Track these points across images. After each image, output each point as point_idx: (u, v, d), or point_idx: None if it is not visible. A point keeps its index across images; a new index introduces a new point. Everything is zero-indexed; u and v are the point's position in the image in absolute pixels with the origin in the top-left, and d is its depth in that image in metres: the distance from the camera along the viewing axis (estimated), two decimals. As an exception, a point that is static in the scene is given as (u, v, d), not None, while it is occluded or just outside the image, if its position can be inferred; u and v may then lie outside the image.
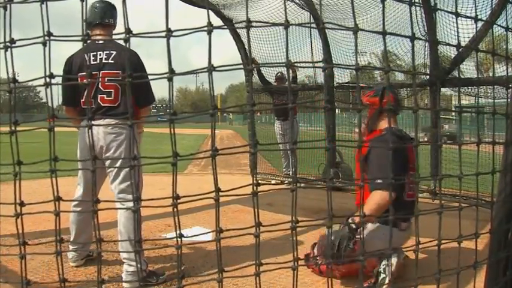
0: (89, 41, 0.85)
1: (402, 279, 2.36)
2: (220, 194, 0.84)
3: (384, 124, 2.51)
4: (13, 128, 0.83)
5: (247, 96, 6.96)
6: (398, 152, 2.28)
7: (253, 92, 6.43)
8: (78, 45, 2.74)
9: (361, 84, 5.29)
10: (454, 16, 1.07)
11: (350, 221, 2.25)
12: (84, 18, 0.81)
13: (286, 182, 6.14)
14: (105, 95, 2.47)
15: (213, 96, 0.90)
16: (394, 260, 2.34)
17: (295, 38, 5.91)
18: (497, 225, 1.15)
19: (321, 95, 5.97)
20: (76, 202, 2.74)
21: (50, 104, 0.82)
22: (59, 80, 2.69)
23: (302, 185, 5.75)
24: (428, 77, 4.92)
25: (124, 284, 2.40)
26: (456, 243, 1.01)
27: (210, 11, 0.90)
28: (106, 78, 2.45)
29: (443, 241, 0.96)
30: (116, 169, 2.50)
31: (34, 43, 0.81)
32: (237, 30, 6.11)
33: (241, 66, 0.92)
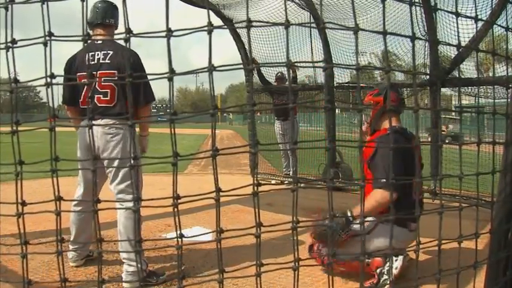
0: (89, 41, 0.85)
1: (403, 279, 2.36)
2: (221, 194, 0.84)
3: (387, 124, 2.49)
4: (14, 128, 0.83)
5: (247, 96, 6.97)
6: (406, 151, 2.27)
7: (253, 92, 6.43)
8: (79, 45, 2.74)
9: (361, 84, 5.29)
10: (454, 16, 1.07)
11: (348, 213, 2.31)
12: (84, 18, 0.81)
13: (286, 182, 6.14)
14: (101, 95, 2.46)
15: (213, 96, 0.90)
16: (398, 263, 2.32)
17: (295, 38, 5.92)
18: (497, 225, 1.15)
19: (321, 95, 5.97)
20: (76, 202, 2.74)
21: (50, 104, 0.82)
22: (59, 80, 2.69)
23: (302, 185, 5.75)
24: (428, 77, 4.92)
25: (124, 284, 2.40)
26: (456, 243, 1.01)
27: (210, 11, 0.90)
28: (102, 78, 2.45)
29: (443, 241, 0.96)
30: (114, 170, 2.50)
31: (35, 43, 0.81)
32: (237, 30, 6.11)
33: (242, 66, 0.92)
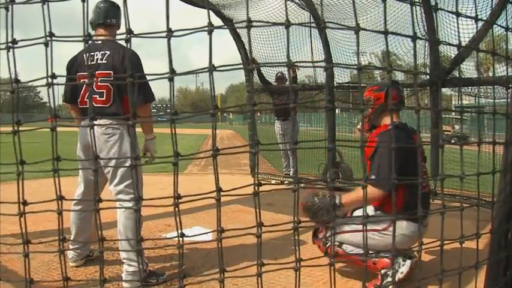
0: (90, 41, 0.85)
1: (406, 281, 2.34)
2: (221, 193, 0.84)
3: (387, 120, 2.49)
4: (16, 128, 0.83)
5: (248, 96, 6.97)
6: (407, 147, 2.27)
7: (253, 92, 6.43)
8: (79, 46, 2.74)
9: (362, 84, 5.29)
10: (454, 16, 1.07)
11: (337, 199, 2.35)
12: (85, 18, 0.81)
13: (286, 182, 6.14)
14: (97, 96, 2.46)
15: (214, 96, 0.90)
16: (405, 268, 2.30)
17: (295, 38, 5.92)
18: (497, 225, 1.15)
19: (321, 95, 5.97)
20: (76, 201, 2.74)
21: (51, 104, 0.82)
22: (60, 80, 2.69)
23: (302, 185, 5.75)
24: (428, 77, 4.92)
25: (124, 284, 2.40)
26: (456, 243, 1.01)
27: (210, 11, 0.91)
28: (99, 79, 2.44)
29: (445, 241, 0.96)
30: (112, 170, 2.49)
31: (36, 43, 0.81)
32: (237, 30, 6.11)
33: (242, 66, 0.92)
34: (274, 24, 0.96)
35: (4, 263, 2.68)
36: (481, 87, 4.62)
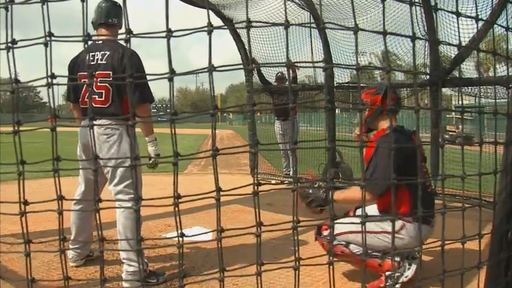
0: (90, 42, 0.85)
1: (409, 282, 2.33)
2: (221, 193, 0.84)
3: (384, 124, 2.49)
4: (16, 128, 0.83)
5: (248, 96, 6.97)
6: (407, 149, 2.26)
7: (253, 92, 6.43)
8: (79, 46, 2.73)
9: (362, 84, 5.29)
10: (454, 16, 1.07)
11: (330, 194, 2.36)
12: (84, 18, 0.81)
13: (286, 182, 6.14)
14: (97, 96, 2.46)
15: (213, 96, 0.90)
16: (410, 272, 2.30)
17: (295, 38, 5.92)
18: (498, 225, 1.15)
19: (321, 95, 5.97)
20: (76, 201, 2.74)
21: (51, 104, 0.82)
22: (60, 80, 2.69)
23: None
24: (428, 77, 4.92)
25: (124, 284, 2.40)
26: (457, 243, 1.01)
27: (210, 11, 0.91)
28: (99, 79, 2.44)
29: (446, 242, 0.96)
30: (111, 171, 2.50)
31: (35, 43, 0.81)
32: (237, 30, 6.11)
33: (241, 66, 0.92)
34: (274, 24, 0.96)
35: (4, 263, 2.68)
36: (481, 87, 4.62)
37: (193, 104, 76.39)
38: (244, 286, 2.44)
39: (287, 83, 6.14)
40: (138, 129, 2.81)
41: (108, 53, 2.46)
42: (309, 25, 4.38)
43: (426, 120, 6.09)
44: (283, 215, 3.82)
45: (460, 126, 14.00)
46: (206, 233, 1.06)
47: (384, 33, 0.90)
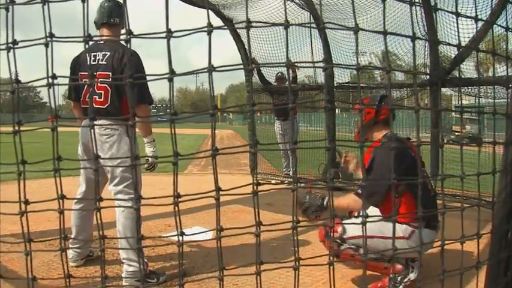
0: (91, 42, 0.85)
1: (410, 282, 2.34)
2: (221, 193, 0.84)
3: (379, 135, 2.48)
4: (16, 128, 0.83)
5: (247, 96, 6.96)
6: (405, 156, 2.26)
7: (253, 92, 6.43)
8: (80, 46, 2.74)
9: (362, 84, 5.30)
10: (454, 16, 1.07)
11: (325, 200, 2.39)
12: (85, 18, 0.81)
13: (286, 182, 6.14)
14: (97, 96, 2.46)
15: (213, 96, 0.90)
16: (413, 275, 2.30)
17: (295, 38, 5.92)
18: (498, 225, 1.15)
19: (321, 95, 5.97)
20: (76, 200, 2.75)
21: (52, 105, 0.82)
22: (60, 80, 2.70)
23: (302, 184, 5.75)
24: (428, 77, 4.92)
25: (124, 284, 2.40)
26: (456, 243, 1.01)
27: (210, 11, 0.91)
28: (99, 79, 2.44)
29: (446, 242, 0.96)
30: (111, 171, 2.50)
31: (36, 44, 0.81)
32: (237, 30, 6.11)
33: (241, 66, 0.92)
34: (274, 24, 0.96)
35: (4, 263, 2.68)
36: (481, 87, 4.62)
37: (193, 104, 76.39)
38: (244, 286, 2.44)
39: (287, 83, 6.14)
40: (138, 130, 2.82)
41: (108, 53, 2.46)
42: (309, 25, 4.39)
43: (426, 120, 6.09)
44: (283, 215, 3.82)
45: (467, 127, 13.81)
46: (206, 231, 1.06)
47: (384, 33, 0.90)
